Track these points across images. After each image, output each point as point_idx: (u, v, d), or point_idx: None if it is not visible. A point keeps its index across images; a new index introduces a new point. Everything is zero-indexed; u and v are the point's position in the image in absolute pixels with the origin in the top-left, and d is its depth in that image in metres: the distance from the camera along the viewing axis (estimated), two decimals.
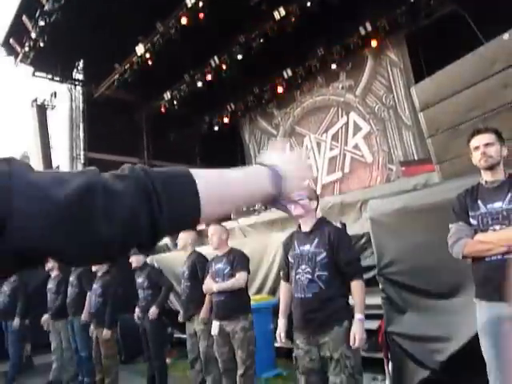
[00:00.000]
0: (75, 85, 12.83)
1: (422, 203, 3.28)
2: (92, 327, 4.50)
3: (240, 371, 3.22)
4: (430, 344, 3.14)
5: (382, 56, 10.51)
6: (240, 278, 3.36)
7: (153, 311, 4.11)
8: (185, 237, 4.09)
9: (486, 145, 2.18)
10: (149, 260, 4.72)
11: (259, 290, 5.06)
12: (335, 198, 5.79)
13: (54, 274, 5.27)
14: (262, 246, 5.19)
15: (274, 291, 4.84)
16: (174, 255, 6.06)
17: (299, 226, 2.72)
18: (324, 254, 2.50)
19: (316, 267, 2.49)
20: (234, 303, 3.31)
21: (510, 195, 2.08)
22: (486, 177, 2.21)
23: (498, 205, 2.09)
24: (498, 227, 2.06)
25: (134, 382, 4.67)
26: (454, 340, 2.99)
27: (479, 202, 2.16)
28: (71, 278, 4.86)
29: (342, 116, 11.54)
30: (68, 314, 4.89)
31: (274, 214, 6.53)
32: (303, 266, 2.54)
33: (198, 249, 4.16)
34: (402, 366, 3.08)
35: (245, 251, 3.81)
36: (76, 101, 12.76)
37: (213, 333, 3.35)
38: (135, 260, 4.42)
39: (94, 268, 4.62)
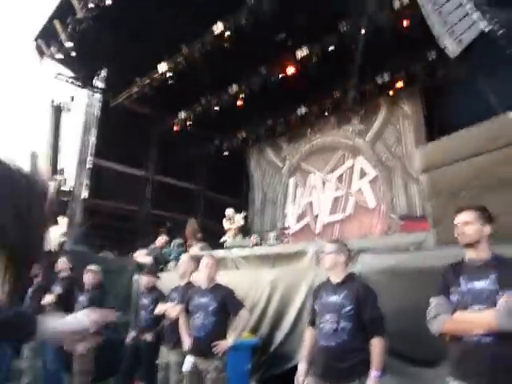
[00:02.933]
0: (94, 92, 13.08)
1: (413, 266, 3.27)
2: None
3: None
4: None
5: (395, 106, 10.69)
6: (245, 316, 3.48)
7: (149, 338, 4.15)
8: (187, 265, 4.12)
9: (465, 223, 2.18)
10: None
11: None
12: None
13: (36, 280, 5.27)
14: (251, 281, 5.14)
15: (255, 329, 4.76)
16: (169, 278, 5.98)
17: (328, 278, 2.84)
18: (350, 307, 2.60)
19: (341, 318, 2.59)
20: (213, 341, 3.25)
21: (493, 276, 2.04)
22: (469, 254, 2.20)
23: (479, 284, 2.06)
24: (477, 307, 2.03)
25: None
26: None
27: (461, 278, 2.14)
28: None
29: (348, 158, 11.65)
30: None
31: (265, 249, 6.52)
32: (328, 316, 2.64)
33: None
34: None
35: (233, 283, 3.80)
36: (92, 107, 12.98)
37: (184, 369, 3.28)
38: (146, 280, 4.44)
39: (85, 280, 4.62)
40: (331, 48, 9.28)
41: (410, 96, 10.40)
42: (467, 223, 2.18)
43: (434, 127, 9.38)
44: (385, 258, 3.49)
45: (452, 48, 5.01)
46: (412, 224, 6.04)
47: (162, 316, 4.08)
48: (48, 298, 4.74)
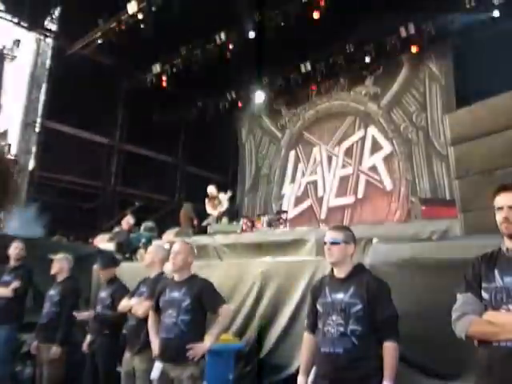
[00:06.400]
0: (45, 36, 12.80)
1: (435, 257, 3.29)
2: (35, 342, 4.54)
3: None
4: None
5: (421, 66, 10.64)
6: (226, 313, 3.47)
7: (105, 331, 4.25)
8: (154, 253, 4.17)
9: (511, 207, 2.12)
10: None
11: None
12: None
13: None
14: (238, 273, 5.17)
15: (241, 333, 4.82)
16: (133, 268, 6.01)
17: (332, 271, 2.84)
18: (360, 306, 2.60)
19: (350, 320, 2.60)
20: (186, 344, 3.27)
21: None
22: (509, 243, 2.17)
23: None
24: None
25: None
26: None
27: (496, 272, 2.13)
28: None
29: (359, 128, 11.64)
30: None
31: (256, 236, 6.54)
32: (334, 317, 2.64)
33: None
34: None
35: (216, 276, 3.81)
36: (43, 55, 12.73)
37: (152, 376, 3.32)
38: (106, 273, 4.53)
39: (53, 271, 4.71)
40: None
41: (440, 53, 10.33)
42: None
43: (468, 92, 9.35)
44: (401, 248, 3.51)
45: None
46: (435, 210, 6.07)
47: (126, 314, 4.12)
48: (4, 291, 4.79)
